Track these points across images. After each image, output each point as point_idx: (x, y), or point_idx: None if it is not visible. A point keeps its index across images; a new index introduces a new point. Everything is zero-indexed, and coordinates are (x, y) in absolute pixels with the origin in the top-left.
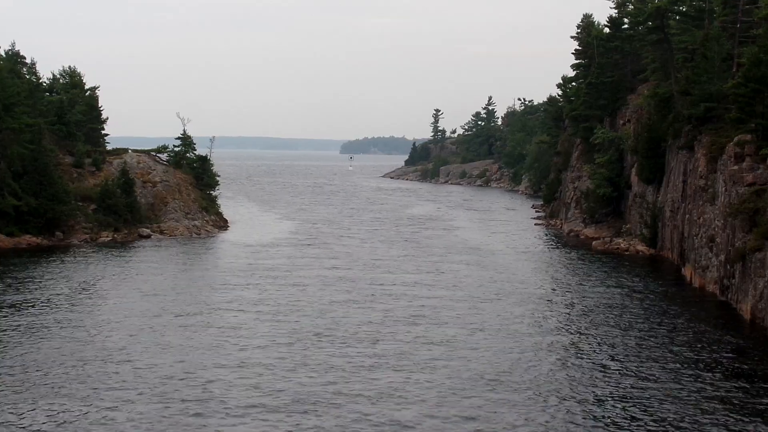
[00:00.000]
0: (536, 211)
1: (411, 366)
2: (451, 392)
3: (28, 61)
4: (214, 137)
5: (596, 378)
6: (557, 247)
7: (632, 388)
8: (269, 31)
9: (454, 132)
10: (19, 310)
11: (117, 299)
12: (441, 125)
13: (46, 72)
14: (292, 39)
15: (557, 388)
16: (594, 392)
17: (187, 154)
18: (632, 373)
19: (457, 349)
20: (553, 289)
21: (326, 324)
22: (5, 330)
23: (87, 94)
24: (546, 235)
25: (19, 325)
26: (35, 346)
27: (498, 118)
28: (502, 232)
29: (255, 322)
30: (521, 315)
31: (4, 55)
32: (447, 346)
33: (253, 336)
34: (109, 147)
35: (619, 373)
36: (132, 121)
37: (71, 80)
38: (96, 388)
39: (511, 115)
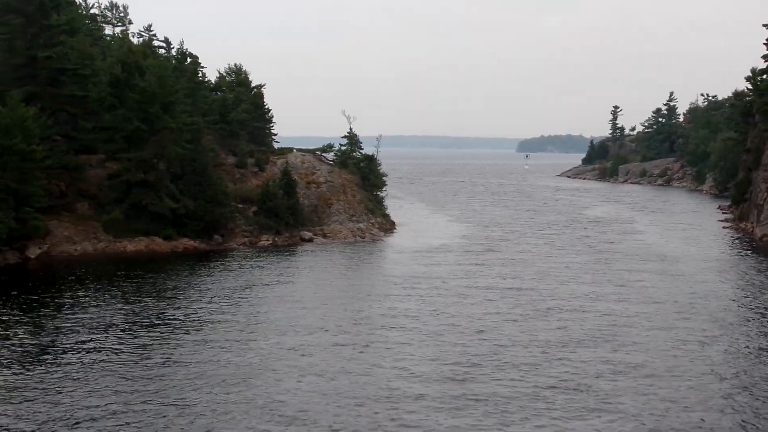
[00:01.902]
0: (723, 213)
1: (589, 401)
2: None
3: (197, 59)
4: (380, 135)
5: None
6: (750, 254)
7: None
8: (444, 32)
9: (633, 129)
10: (165, 321)
11: (270, 311)
12: (620, 122)
13: (213, 70)
14: (468, 36)
15: None
16: None
17: (353, 153)
18: None
19: (645, 380)
20: (750, 306)
21: (491, 344)
22: (143, 343)
23: (252, 92)
24: (736, 239)
25: (159, 339)
26: (171, 364)
27: (680, 114)
28: (687, 237)
29: (412, 341)
30: (715, 337)
31: (175, 54)
32: (633, 376)
33: (409, 358)
34: (277, 147)
35: None
36: (300, 119)
37: (236, 78)
38: (231, 419)
39: (693, 111)
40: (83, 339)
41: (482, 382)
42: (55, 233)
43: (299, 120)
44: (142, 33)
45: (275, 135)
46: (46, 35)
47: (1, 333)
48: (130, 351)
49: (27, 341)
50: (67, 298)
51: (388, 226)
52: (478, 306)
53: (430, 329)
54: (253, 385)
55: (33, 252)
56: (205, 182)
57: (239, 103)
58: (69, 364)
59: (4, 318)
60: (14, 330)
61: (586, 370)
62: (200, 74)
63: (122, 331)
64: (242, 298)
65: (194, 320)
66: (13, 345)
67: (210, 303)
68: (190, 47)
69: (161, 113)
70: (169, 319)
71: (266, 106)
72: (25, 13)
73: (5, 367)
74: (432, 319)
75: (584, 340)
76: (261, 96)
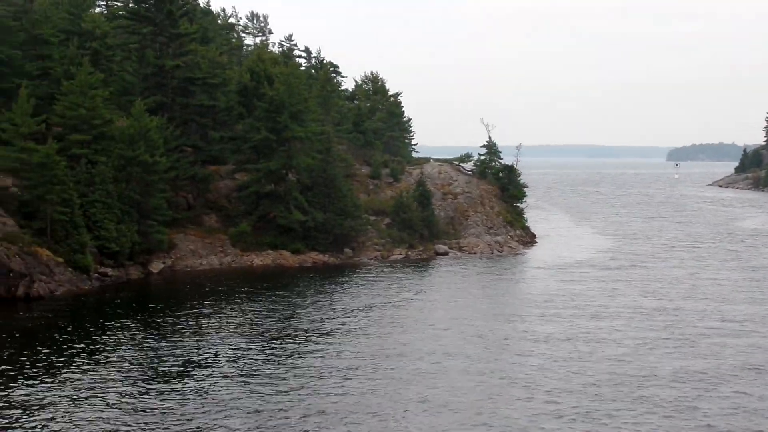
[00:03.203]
0: None
1: None
2: None
3: (337, 68)
4: (521, 145)
5: None
6: None
7: None
8: (587, 42)
9: None
10: (288, 341)
11: (400, 332)
12: None
13: (350, 79)
14: (611, 45)
15: None
16: None
17: (492, 163)
18: None
19: None
20: None
21: (632, 376)
22: (264, 365)
23: (390, 100)
24: None
25: (280, 360)
26: (294, 388)
27: None
28: None
29: (547, 371)
30: None
31: (315, 63)
32: None
33: (542, 391)
34: (415, 157)
35: None
36: (440, 129)
37: (373, 86)
38: None
39: None
40: (203, 356)
41: (619, 428)
42: (180, 247)
43: (439, 129)
44: (283, 43)
45: (415, 144)
46: (175, 44)
47: (114, 349)
48: (252, 373)
49: (143, 360)
50: (184, 315)
51: (528, 239)
52: (618, 330)
53: (566, 357)
54: (376, 417)
55: (156, 266)
56: (335, 194)
57: (374, 112)
58: (190, 381)
59: (119, 335)
60: (130, 348)
61: (745, 408)
62: (336, 82)
63: (240, 352)
64: (371, 317)
65: (319, 341)
66: (131, 363)
67: (337, 323)
68: (335, 59)
69: (290, 122)
70: (292, 339)
71: (404, 115)
72: (154, 21)
73: (125, 383)
74: (568, 345)
75: (739, 372)
76: (398, 104)
